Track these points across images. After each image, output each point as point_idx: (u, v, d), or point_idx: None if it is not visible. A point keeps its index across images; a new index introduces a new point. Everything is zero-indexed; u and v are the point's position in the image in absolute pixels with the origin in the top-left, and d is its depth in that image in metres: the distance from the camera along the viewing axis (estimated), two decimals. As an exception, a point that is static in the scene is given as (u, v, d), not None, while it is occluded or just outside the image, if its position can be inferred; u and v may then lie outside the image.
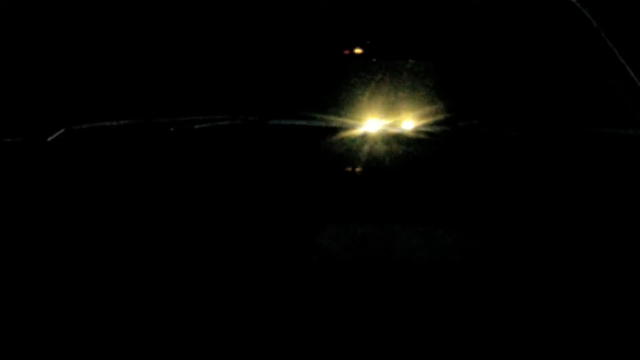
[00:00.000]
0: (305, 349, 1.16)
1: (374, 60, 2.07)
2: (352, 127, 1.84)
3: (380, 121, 1.86)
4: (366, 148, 1.81)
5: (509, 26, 2.22)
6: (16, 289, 1.31)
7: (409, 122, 1.87)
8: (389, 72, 2.01)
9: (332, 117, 1.86)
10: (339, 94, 1.96)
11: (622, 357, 1.17)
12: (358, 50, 2.09)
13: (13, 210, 1.63)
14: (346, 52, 2.09)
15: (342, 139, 1.83)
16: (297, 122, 1.85)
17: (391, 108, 1.94)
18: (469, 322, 1.21)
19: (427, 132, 1.84)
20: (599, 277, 1.35)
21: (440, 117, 1.90)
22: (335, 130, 1.84)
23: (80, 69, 2.18)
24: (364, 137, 1.82)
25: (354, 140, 1.82)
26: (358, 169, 1.81)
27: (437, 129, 1.84)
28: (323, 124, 1.84)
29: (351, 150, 1.81)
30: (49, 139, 1.96)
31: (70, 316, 1.23)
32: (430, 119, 1.89)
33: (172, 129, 1.87)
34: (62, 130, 1.96)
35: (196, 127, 1.85)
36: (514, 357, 1.17)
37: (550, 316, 1.23)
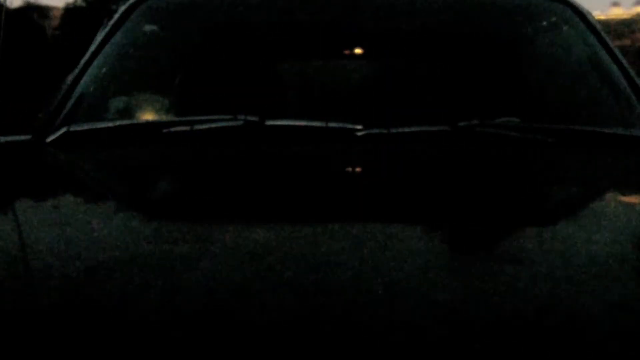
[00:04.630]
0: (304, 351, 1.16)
1: (373, 60, 2.07)
2: (351, 127, 1.84)
3: (380, 121, 1.86)
4: (365, 148, 1.81)
5: (509, 26, 2.22)
6: (14, 290, 1.31)
7: (408, 122, 1.87)
8: (388, 72, 2.02)
9: (331, 118, 1.86)
10: (338, 94, 1.96)
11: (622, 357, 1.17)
12: (358, 51, 2.09)
13: (12, 210, 1.63)
14: (345, 52, 2.09)
15: (341, 139, 1.83)
16: (295, 123, 1.85)
17: (390, 108, 1.94)
18: (470, 324, 1.21)
19: (426, 132, 1.84)
20: (600, 277, 1.35)
21: (439, 117, 1.89)
22: (334, 130, 1.84)
23: (81, 69, 2.18)
24: (363, 138, 1.82)
25: (352, 140, 1.82)
26: (357, 169, 1.81)
27: (436, 129, 1.84)
28: (322, 124, 1.84)
29: (350, 151, 1.81)
30: (49, 139, 1.96)
31: (70, 317, 1.23)
32: (429, 119, 1.89)
33: (171, 130, 1.87)
34: (62, 131, 1.95)
35: (195, 127, 1.85)
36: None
37: (551, 317, 1.23)
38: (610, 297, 1.29)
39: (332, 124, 1.84)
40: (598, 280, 1.34)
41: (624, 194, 1.71)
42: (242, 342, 1.15)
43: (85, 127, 1.97)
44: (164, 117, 1.92)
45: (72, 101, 2.09)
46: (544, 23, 2.26)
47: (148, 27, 2.25)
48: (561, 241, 1.46)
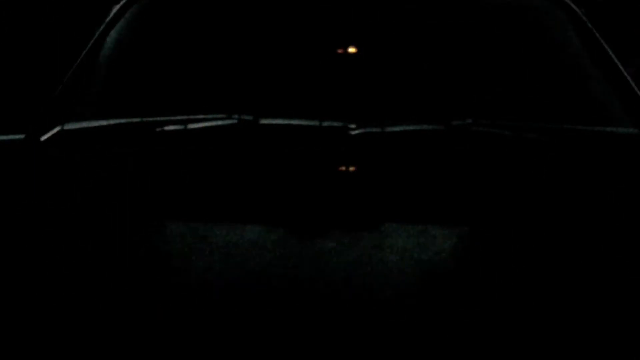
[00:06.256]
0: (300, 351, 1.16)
1: (368, 59, 2.07)
2: (345, 126, 1.84)
3: (373, 120, 1.85)
4: (359, 147, 1.81)
5: (503, 25, 2.22)
6: (7, 288, 1.31)
7: (402, 121, 1.87)
8: (382, 72, 2.01)
9: (325, 116, 1.86)
10: (333, 92, 1.95)
11: (622, 357, 1.17)
12: (351, 50, 2.09)
13: (6, 209, 1.63)
14: (339, 51, 2.09)
15: (335, 138, 1.83)
16: (289, 122, 1.85)
17: (384, 107, 1.94)
18: (467, 325, 1.21)
19: (420, 131, 1.84)
20: (599, 277, 1.35)
21: (433, 116, 1.89)
22: (328, 129, 1.84)
23: (75, 68, 2.18)
24: (357, 136, 1.82)
25: (346, 139, 1.82)
26: (351, 169, 1.81)
27: (430, 128, 1.84)
28: (316, 123, 1.84)
29: (344, 150, 1.81)
30: (43, 138, 1.96)
31: (65, 315, 1.23)
32: (423, 118, 1.89)
33: (165, 129, 1.87)
34: (56, 130, 1.95)
35: (189, 126, 1.85)
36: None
37: (549, 317, 1.23)
38: (609, 297, 1.30)
39: (326, 123, 1.84)
40: (596, 281, 1.35)
41: (617, 193, 1.71)
42: (237, 340, 1.16)
43: (79, 125, 1.97)
44: (158, 116, 1.91)
45: (66, 100, 2.09)
46: (537, 22, 2.26)
47: (142, 26, 2.24)
48: (558, 241, 1.47)
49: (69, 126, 1.96)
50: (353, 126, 1.83)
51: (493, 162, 1.82)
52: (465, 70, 2.04)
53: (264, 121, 1.85)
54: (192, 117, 1.87)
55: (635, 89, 2.11)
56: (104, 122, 1.94)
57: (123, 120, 1.92)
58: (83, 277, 1.33)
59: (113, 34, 2.22)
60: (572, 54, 2.21)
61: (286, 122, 1.85)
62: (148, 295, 1.28)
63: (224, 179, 1.75)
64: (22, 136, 2.02)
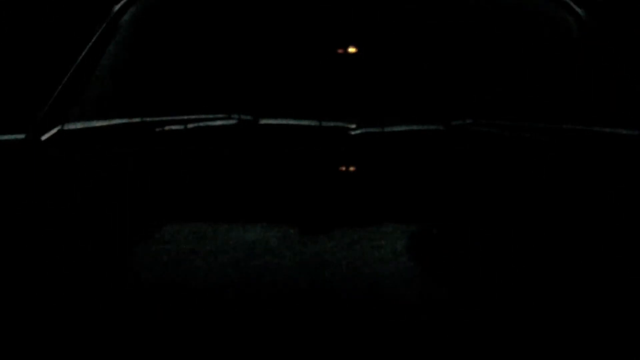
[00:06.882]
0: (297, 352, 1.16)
1: (367, 59, 2.07)
2: (345, 126, 1.84)
3: (373, 120, 1.86)
4: (359, 147, 1.82)
5: (503, 24, 2.22)
6: (7, 288, 1.31)
7: (402, 121, 1.87)
8: (382, 71, 2.01)
9: (325, 116, 1.86)
10: (332, 93, 1.95)
11: (622, 357, 1.17)
12: (351, 50, 2.09)
13: (6, 209, 1.63)
14: (339, 51, 2.09)
15: (335, 138, 1.83)
16: (289, 122, 1.85)
17: (384, 107, 1.94)
18: (468, 325, 1.21)
19: (420, 131, 1.84)
20: (599, 277, 1.35)
21: (433, 116, 1.90)
22: (328, 129, 1.84)
23: (75, 68, 2.18)
24: (356, 137, 1.82)
25: (346, 139, 1.82)
26: (351, 169, 1.81)
27: (430, 128, 1.84)
28: (316, 123, 1.85)
29: (344, 150, 1.81)
30: (44, 137, 1.96)
31: (66, 315, 1.24)
32: (423, 118, 1.89)
33: (165, 129, 1.87)
34: (56, 130, 1.96)
35: (189, 126, 1.86)
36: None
37: (549, 318, 1.23)
38: (609, 297, 1.30)
39: (325, 123, 1.84)
40: (596, 281, 1.35)
41: (617, 193, 1.71)
42: (237, 340, 1.16)
43: (79, 125, 1.97)
44: (158, 116, 1.92)
45: (66, 100, 2.09)
46: (538, 22, 2.26)
47: (142, 26, 2.25)
48: (557, 241, 1.47)
49: (69, 126, 1.96)
50: (353, 126, 1.83)
51: (493, 162, 1.82)
52: (465, 70, 2.04)
53: (263, 121, 1.85)
54: (192, 117, 1.87)
55: (636, 89, 2.11)
56: (104, 122, 1.94)
57: (123, 120, 1.92)
58: (83, 277, 1.33)
59: (113, 33, 2.22)
60: (572, 54, 2.22)
61: (286, 122, 1.85)
62: (148, 296, 1.28)
63: (223, 179, 1.75)
64: (22, 136, 2.02)
